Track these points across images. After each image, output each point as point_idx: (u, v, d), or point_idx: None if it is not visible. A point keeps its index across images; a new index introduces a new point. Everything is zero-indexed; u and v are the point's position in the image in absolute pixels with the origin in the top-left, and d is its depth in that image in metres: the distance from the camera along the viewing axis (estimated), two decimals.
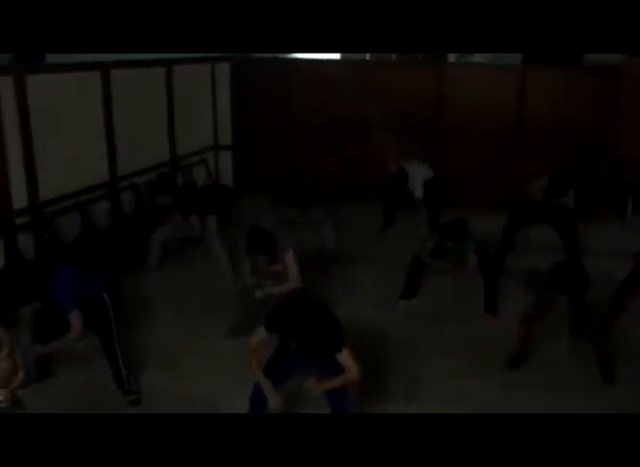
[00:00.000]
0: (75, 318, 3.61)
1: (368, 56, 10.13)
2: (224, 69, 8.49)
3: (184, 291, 5.66)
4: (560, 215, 6.00)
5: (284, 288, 4.32)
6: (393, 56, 10.12)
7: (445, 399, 4.06)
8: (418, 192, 6.97)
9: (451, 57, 9.65)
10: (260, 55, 8.44)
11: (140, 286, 5.68)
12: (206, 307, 5.24)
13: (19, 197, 5.19)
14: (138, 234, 6.27)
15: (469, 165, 8.01)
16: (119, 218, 6.47)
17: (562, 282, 4.18)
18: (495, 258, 6.24)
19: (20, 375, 2.96)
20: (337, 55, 9.79)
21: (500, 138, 8.03)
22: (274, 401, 3.31)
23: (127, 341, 4.66)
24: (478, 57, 9.26)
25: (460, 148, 8.07)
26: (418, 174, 6.99)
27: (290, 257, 4.38)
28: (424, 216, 7.11)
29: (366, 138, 8.27)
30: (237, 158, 8.86)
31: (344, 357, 3.19)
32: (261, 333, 3.28)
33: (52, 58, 5.45)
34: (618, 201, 8.09)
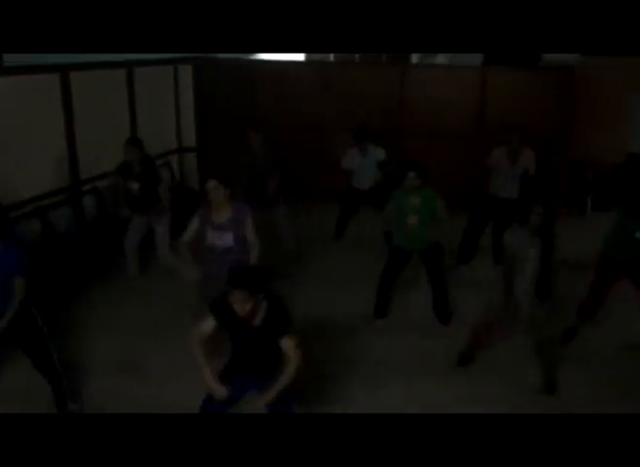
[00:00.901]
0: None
1: (332, 57, 10.15)
2: (186, 71, 8.42)
3: (152, 296, 5.59)
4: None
5: (253, 257, 4.22)
6: (356, 57, 10.16)
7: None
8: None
9: (414, 58, 9.74)
10: (223, 56, 8.38)
11: (107, 292, 5.63)
12: (172, 314, 5.15)
13: None
14: (101, 240, 6.16)
15: (430, 166, 8.03)
16: (81, 223, 6.35)
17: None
18: (457, 261, 6.25)
19: None
20: (300, 56, 9.79)
21: (461, 139, 8.11)
22: (219, 391, 3.19)
23: (87, 348, 4.63)
24: (440, 58, 9.36)
25: (422, 148, 8.10)
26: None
27: (249, 222, 4.27)
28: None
29: (330, 139, 8.27)
30: (202, 160, 8.78)
31: (287, 344, 3.09)
32: (207, 322, 3.18)
33: (9, 60, 5.33)
34: (578, 199, 8.28)
